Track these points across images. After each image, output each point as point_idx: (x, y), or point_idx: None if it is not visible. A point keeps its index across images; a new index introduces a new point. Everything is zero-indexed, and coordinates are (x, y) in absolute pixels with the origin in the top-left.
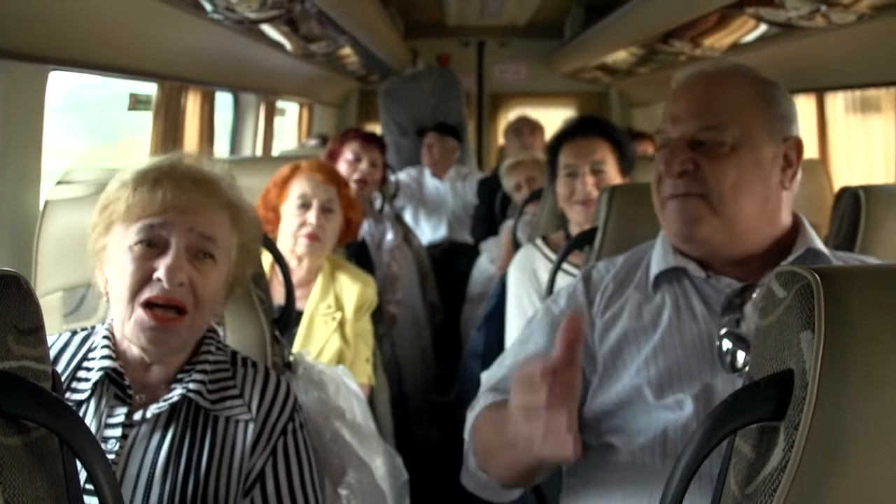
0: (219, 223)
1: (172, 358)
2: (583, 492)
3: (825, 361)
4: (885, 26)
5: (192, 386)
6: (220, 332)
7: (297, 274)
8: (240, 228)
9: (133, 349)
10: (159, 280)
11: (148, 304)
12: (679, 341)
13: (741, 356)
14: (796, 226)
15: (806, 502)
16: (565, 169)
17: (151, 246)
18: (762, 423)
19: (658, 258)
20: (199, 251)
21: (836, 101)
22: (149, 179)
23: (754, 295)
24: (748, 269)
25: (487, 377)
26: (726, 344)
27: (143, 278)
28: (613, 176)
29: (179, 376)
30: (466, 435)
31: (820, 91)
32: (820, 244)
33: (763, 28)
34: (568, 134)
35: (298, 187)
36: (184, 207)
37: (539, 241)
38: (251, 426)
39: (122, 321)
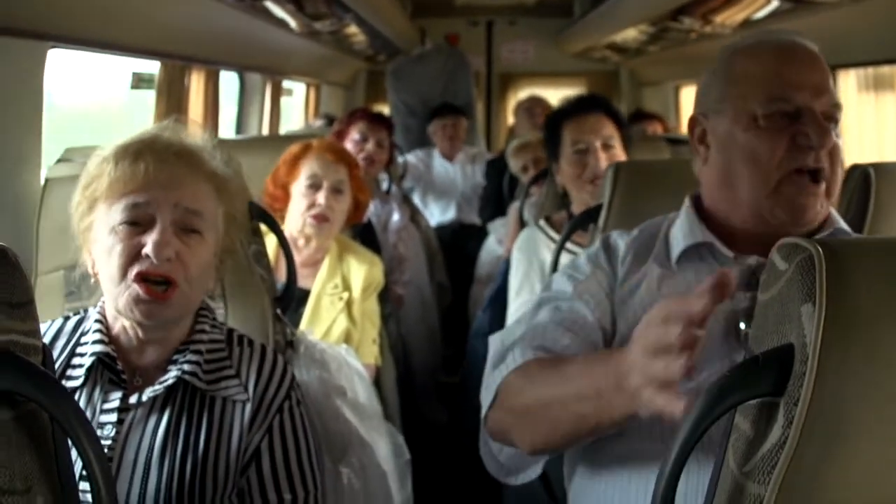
0: (203, 195)
1: (167, 337)
2: (589, 475)
3: (826, 335)
4: None
5: (186, 367)
6: (222, 311)
7: (305, 253)
8: (226, 199)
9: (127, 330)
10: (148, 256)
11: (139, 279)
12: (713, 332)
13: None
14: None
15: (804, 480)
16: (574, 145)
17: (136, 225)
18: (762, 399)
19: (684, 232)
20: (185, 226)
21: (848, 79)
22: (130, 153)
23: None
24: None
25: (502, 338)
26: (742, 321)
27: (132, 255)
28: (620, 153)
29: (174, 357)
30: (487, 396)
31: (832, 68)
32: (846, 227)
33: (775, 3)
34: (571, 111)
35: (309, 167)
36: (167, 181)
37: (542, 222)
38: (248, 406)
39: (115, 298)
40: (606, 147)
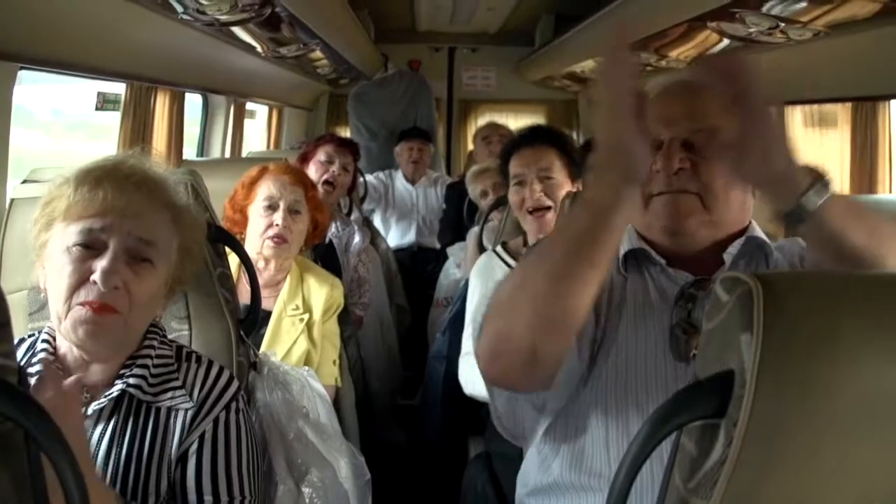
0: (159, 226)
1: (112, 358)
2: (535, 496)
3: (763, 362)
4: (841, 44)
5: (132, 381)
6: (187, 332)
7: (265, 275)
8: (181, 230)
9: (73, 349)
10: (95, 283)
11: (82, 305)
12: (642, 335)
13: (693, 343)
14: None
15: (743, 494)
16: (514, 178)
17: (89, 248)
18: (705, 421)
19: (625, 240)
20: (136, 255)
21: (795, 116)
22: (90, 179)
23: (709, 290)
24: (703, 266)
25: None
26: (678, 334)
27: (80, 280)
28: (562, 181)
29: (122, 372)
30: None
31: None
32: (761, 234)
33: (725, 42)
34: (516, 144)
35: (266, 189)
36: (123, 209)
37: (499, 248)
38: (189, 413)
39: (59, 319)
40: (543, 179)
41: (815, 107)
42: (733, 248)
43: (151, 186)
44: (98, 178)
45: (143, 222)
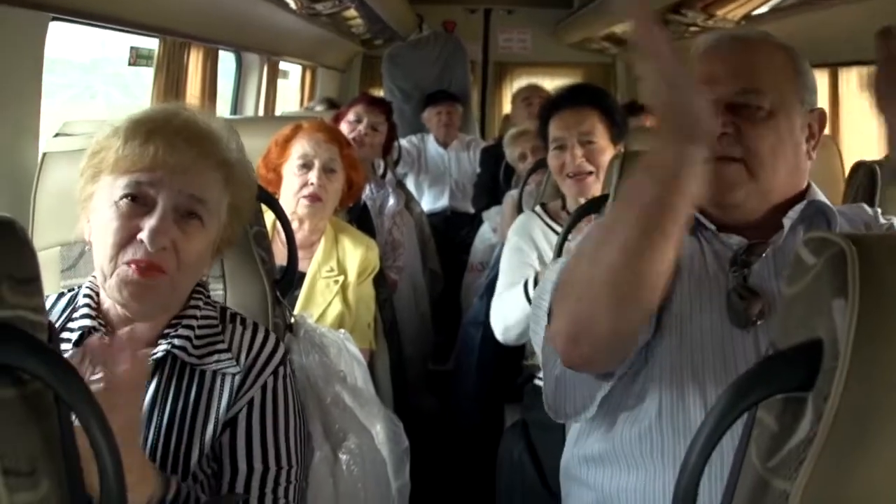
0: (210, 183)
1: (157, 317)
2: (587, 462)
3: (859, 330)
4: None
5: (176, 342)
6: (222, 292)
7: (300, 236)
8: (232, 189)
9: (117, 306)
10: (142, 242)
11: (129, 264)
12: (698, 300)
13: (753, 309)
14: (806, 191)
15: (833, 475)
16: (554, 142)
17: (137, 202)
18: (787, 395)
19: None
20: (186, 212)
21: (850, 77)
22: (141, 132)
23: (764, 255)
24: (758, 231)
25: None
26: (735, 299)
27: (127, 237)
28: (604, 146)
29: (165, 331)
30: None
31: (833, 66)
32: (822, 197)
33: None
34: (556, 105)
35: (300, 147)
36: (174, 166)
37: (538, 209)
38: (237, 378)
39: (105, 276)
40: (584, 143)
41: (873, 68)
42: (793, 213)
43: (204, 143)
44: (149, 131)
45: (193, 179)
